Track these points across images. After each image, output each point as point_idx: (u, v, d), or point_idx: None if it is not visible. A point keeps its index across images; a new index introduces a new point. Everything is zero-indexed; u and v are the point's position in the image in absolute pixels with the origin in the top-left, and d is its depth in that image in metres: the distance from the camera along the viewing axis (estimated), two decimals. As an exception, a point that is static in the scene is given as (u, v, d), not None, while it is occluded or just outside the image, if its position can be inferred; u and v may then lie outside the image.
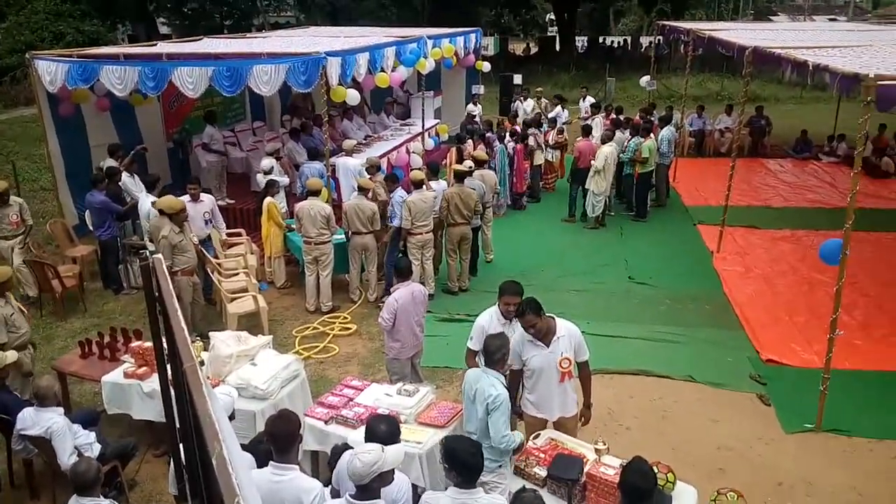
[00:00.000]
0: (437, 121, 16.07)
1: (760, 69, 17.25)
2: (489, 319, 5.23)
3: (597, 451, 4.46)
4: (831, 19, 46.02)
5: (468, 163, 10.24)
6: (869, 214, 11.67)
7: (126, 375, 5.92)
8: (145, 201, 8.92)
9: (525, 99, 17.42)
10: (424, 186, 8.87)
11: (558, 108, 16.64)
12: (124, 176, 9.67)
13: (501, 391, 4.40)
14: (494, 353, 4.51)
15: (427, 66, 12.33)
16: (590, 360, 5.07)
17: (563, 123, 14.89)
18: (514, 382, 5.05)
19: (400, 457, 3.57)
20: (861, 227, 9.87)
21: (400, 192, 8.85)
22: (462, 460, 3.63)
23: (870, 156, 14.73)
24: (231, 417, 4.84)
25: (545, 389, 4.93)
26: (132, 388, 5.84)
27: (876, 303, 8.80)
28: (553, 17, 42.97)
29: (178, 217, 7.55)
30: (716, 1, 40.50)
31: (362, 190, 8.84)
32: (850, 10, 51.46)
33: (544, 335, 4.82)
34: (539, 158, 13.37)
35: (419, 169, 10.03)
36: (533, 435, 4.83)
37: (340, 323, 8.51)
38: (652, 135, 12.15)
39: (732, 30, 14.55)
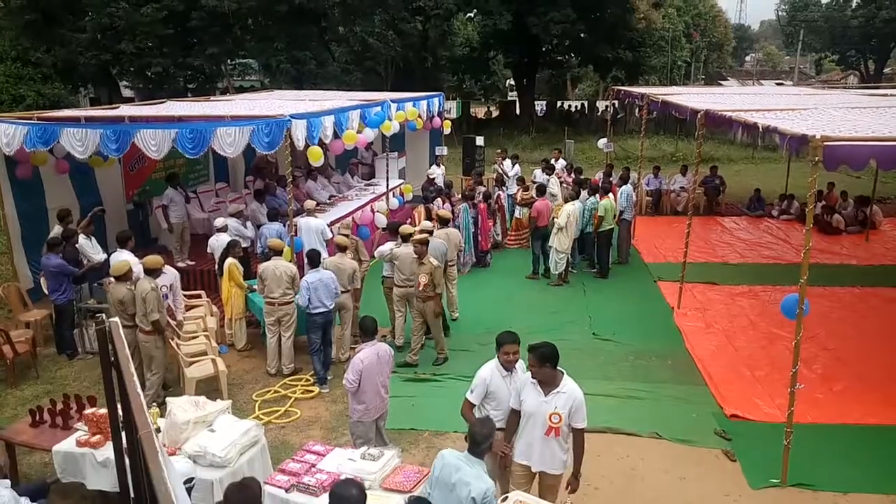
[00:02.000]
0: (402, 181, 16.27)
1: (713, 131, 17.92)
2: (490, 372, 5.23)
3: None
4: (778, 84, 48.32)
5: (426, 223, 10.38)
6: (823, 270, 12.03)
7: (79, 444, 5.69)
8: (119, 255, 8.71)
9: (504, 160, 16.67)
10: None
11: (537, 170, 16.25)
12: (81, 238, 9.52)
13: (489, 483, 4.24)
14: (481, 442, 4.39)
15: (392, 128, 12.53)
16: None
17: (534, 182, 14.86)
18: (512, 423, 5.09)
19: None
20: (817, 283, 10.20)
21: (311, 274, 8.24)
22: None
23: (820, 213, 15.26)
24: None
25: (530, 436, 4.97)
26: (85, 458, 5.62)
27: (835, 356, 8.95)
28: (513, 82, 44.35)
29: (156, 273, 7.81)
30: (668, 67, 42.18)
31: (342, 249, 8.90)
32: (795, 76, 54.26)
33: (546, 384, 4.88)
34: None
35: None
36: (502, 498, 4.72)
37: (303, 385, 8.33)
38: (610, 194, 12.42)
39: (685, 94, 15.09)
